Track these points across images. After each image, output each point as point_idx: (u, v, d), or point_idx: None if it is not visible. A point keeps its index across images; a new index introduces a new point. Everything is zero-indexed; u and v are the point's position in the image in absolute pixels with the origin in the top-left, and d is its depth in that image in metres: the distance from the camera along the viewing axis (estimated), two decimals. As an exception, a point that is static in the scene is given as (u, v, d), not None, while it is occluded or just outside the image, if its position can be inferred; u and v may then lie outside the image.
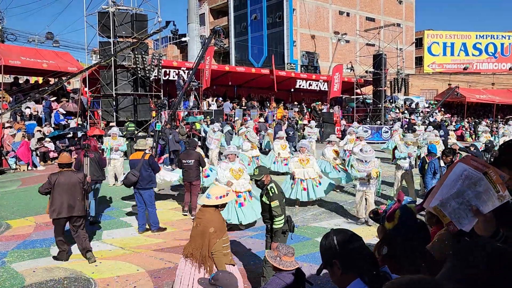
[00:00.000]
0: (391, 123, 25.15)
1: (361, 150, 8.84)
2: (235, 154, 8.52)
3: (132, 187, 8.18)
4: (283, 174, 13.06)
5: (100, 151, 11.50)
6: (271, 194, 5.36)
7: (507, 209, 1.70)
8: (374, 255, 2.08)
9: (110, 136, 13.05)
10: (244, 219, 7.96)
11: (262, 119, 22.98)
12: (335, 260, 1.95)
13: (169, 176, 10.39)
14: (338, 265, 1.94)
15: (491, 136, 19.79)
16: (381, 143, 22.06)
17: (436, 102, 34.97)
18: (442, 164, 8.33)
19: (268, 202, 5.39)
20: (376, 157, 8.88)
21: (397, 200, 2.25)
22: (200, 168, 9.53)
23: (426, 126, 20.61)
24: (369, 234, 7.63)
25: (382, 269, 1.98)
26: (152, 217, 8.15)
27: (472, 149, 11.41)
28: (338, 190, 11.44)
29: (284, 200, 5.64)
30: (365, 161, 8.53)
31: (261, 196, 5.62)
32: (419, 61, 46.53)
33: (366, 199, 8.53)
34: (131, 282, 5.77)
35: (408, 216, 2.24)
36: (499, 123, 26.33)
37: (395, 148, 10.96)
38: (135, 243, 7.50)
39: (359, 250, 1.96)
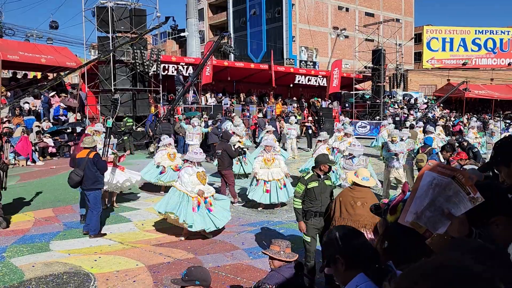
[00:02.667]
0: (389, 118, 25.12)
1: (347, 151, 8.50)
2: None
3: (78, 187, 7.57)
4: None
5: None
6: None
7: (478, 208, 1.71)
8: (376, 249, 2.10)
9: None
10: (219, 222, 7.37)
11: (261, 115, 23.00)
12: (338, 256, 1.96)
13: (128, 176, 9.25)
14: (341, 261, 1.95)
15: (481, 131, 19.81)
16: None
17: (435, 98, 34.94)
18: (441, 159, 8.29)
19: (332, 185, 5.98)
20: (365, 154, 8.66)
21: (401, 192, 2.25)
22: (231, 158, 9.91)
23: (416, 122, 20.51)
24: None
25: (386, 263, 2.00)
26: (92, 221, 7.43)
27: (465, 144, 11.33)
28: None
29: None
30: (352, 159, 8.37)
31: (324, 179, 5.78)
32: (418, 56, 46.49)
33: None
34: (131, 276, 5.77)
35: (410, 209, 2.23)
36: (489, 120, 26.24)
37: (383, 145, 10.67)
38: (134, 238, 7.51)
39: (361, 245, 1.98)
